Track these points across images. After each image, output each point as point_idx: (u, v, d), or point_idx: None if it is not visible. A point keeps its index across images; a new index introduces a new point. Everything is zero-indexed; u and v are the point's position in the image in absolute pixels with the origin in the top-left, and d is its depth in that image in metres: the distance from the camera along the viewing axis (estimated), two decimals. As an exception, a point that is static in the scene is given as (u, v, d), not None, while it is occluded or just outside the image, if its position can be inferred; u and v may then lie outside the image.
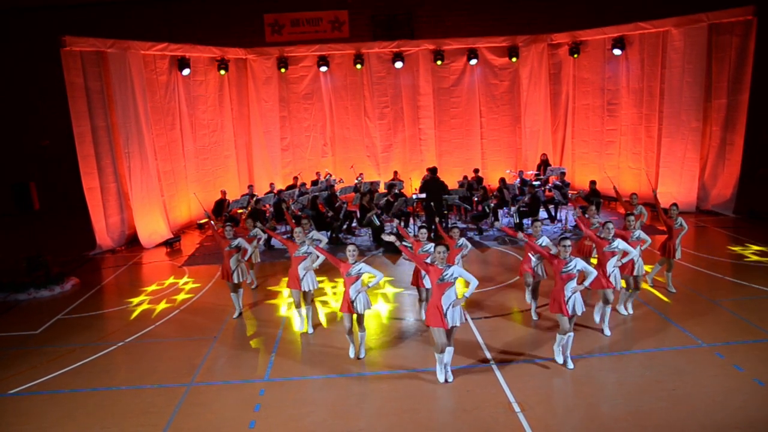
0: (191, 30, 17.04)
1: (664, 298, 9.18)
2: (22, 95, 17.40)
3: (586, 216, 9.44)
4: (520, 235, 8.03)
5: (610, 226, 7.82)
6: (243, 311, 9.43)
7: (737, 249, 11.60)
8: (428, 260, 7.53)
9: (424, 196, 13.71)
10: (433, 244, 7.90)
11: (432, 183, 13.45)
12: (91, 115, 13.41)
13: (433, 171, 13.90)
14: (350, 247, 7.26)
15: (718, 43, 14.12)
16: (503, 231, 8.53)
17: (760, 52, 13.81)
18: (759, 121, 14.80)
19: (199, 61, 16.10)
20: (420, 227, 8.46)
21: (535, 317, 8.60)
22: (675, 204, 9.38)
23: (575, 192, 15.08)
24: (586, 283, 7.03)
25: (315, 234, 9.41)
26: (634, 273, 8.26)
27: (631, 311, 8.64)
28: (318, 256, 8.37)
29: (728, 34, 13.94)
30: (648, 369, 6.96)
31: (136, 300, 10.40)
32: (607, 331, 7.93)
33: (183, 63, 15.42)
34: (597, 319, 8.14)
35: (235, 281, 9.05)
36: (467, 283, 6.63)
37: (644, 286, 9.47)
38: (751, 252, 11.36)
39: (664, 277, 9.66)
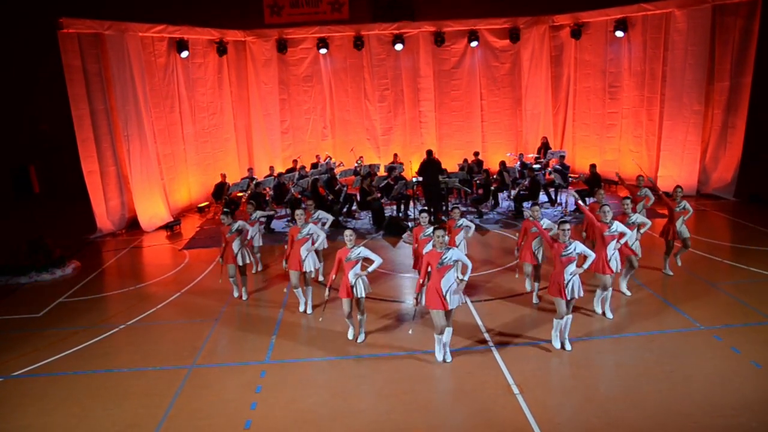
0: (190, 11, 16.81)
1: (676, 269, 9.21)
2: (19, 78, 17.26)
3: (594, 200, 9.41)
4: (527, 213, 8.01)
5: (606, 209, 7.81)
6: (243, 293, 9.43)
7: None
8: (429, 244, 7.52)
9: (422, 179, 13.68)
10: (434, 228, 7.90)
11: (427, 164, 13.41)
12: (90, 99, 13.33)
13: (428, 153, 13.88)
14: (347, 232, 7.28)
15: (722, 24, 13.93)
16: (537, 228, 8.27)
17: (765, 34, 13.63)
18: (761, 104, 14.66)
19: (197, 43, 15.95)
20: (421, 211, 8.44)
21: (536, 300, 8.63)
22: (679, 187, 9.34)
23: (575, 175, 15.04)
24: (585, 265, 7.05)
25: (321, 214, 9.41)
26: (632, 254, 8.33)
27: (628, 292, 8.69)
28: (319, 237, 8.42)
29: (733, 16, 13.75)
30: (646, 351, 7.00)
31: None
32: (609, 314, 7.96)
33: (182, 45, 15.29)
34: (598, 309, 8.08)
35: (240, 263, 9.07)
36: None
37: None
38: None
39: (672, 260, 9.59)
